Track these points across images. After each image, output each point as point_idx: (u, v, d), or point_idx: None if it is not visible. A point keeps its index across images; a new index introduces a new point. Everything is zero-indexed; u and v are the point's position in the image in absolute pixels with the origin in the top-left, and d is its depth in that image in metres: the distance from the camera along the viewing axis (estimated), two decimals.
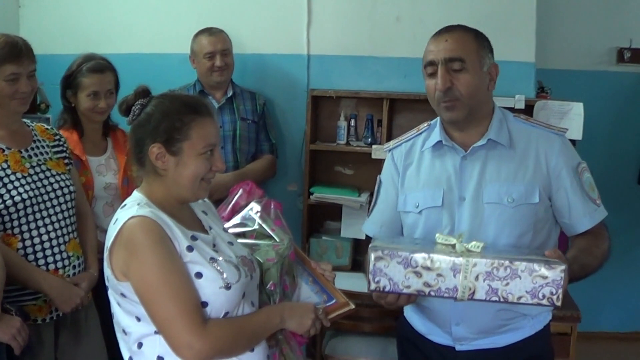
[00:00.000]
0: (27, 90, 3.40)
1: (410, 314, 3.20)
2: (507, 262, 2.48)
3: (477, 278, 2.50)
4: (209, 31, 5.03)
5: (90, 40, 5.18)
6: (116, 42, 5.43)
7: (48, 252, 3.41)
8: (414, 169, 3.13)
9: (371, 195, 5.02)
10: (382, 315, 4.45)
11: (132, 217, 2.46)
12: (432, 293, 2.54)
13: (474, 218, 2.93)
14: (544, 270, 2.47)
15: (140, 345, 2.52)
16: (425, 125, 3.17)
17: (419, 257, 2.53)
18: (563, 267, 2.47)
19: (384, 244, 2.62)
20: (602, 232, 3.00)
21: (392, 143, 3.26)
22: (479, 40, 2.92)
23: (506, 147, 2.95)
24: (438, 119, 3.08)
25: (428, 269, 2.52)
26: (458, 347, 3.03)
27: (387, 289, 2.57)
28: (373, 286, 2.58)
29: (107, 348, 3.66)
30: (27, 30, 5.50)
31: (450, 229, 2.96)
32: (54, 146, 3.62)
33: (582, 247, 2.94)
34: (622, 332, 6.66)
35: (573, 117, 4.86)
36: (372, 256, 2.56)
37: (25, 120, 3.62)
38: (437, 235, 2.71)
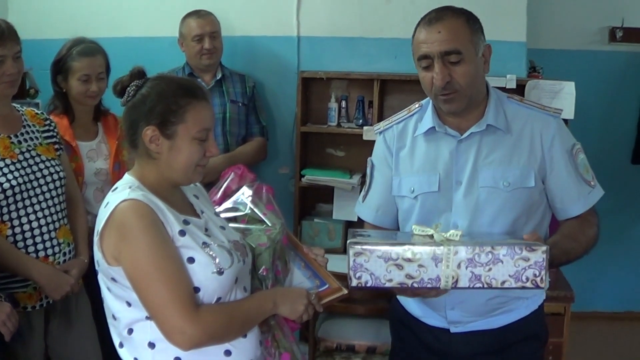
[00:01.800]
0: (13, 71, 3.38)
1: (403, 297, 3.18)
2: (488, 248, 2.46)
3: (459, 266, 2.48)
4: (197, 14, 5.00)
5: (79, 25, 5.14)
6: (105, 26, 5.39)
7: (38, 239, 3.40)
8: (407, 152, 3.09)
9: (363, 177, 5.05)
10: (375, 297, 4.45)
11: (124, 200, 2.43)
12: (415, 284, 2.51)
13: (470, 202, 2.91)
14: (525, 253, 2.45)
15: (130, 331, 2.50)
16: (417, 106, 3.12)
17: (399, 249, 2.49)
18: (544, 248, 2.46)
19: (362, 240, 2.59)
20: (591, 219, 2.98)
21: (382, 125, 3.21)
22: (471, 25, 2.84)
23: (504, 131, 2.92)
24: (430, 100, 3.03)
25: (409, 260, 2.49)
26: (453, 330, 3.03)
27: (368, 284, 2.53)
28: (354, 282, 2.54)
29: (99, 334, 3.64)
30: (15, 15, 5.47)
31: (447, 214, 2.94)
32: (44, 131, 3.60)
33: (566, 232, 2.92)
34: (616, 312, 6.70)
35: (565, 97, 4.84)
36: (351, 252, 2.52)
37: (15, 105, 3.60)
38: (413, 226, 2.69)
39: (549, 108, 3.01)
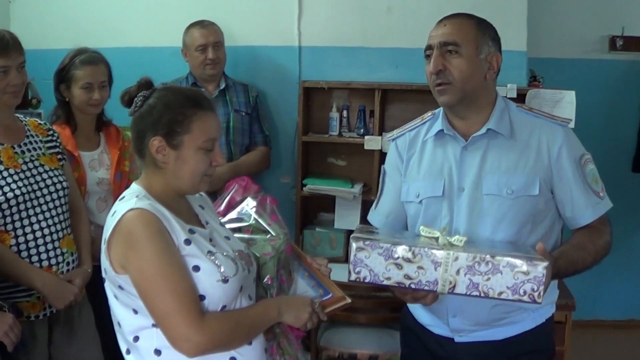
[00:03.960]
0: (18, 82, 3.39)
1: (413, 305, 3.19)
2: (488, 257, 2.48)
3: (458, 272, 2.50)
4: (200, 24, 5.02)
5: (82, 35, 5.15)
6: (107, 36, 5.41)
7: (42, 248, 3.40)
8: (416, 158, 3.13)
9: (364, 186, 5.08)
10: (377, 306, 4.46)
11: (131, 209, 2.45)
12: (413, 285, 2.55)
13: (473, 209, 2.92)
14: (525, 267, 2.46)
15: (136, 338, 2.52)
16: (430, 114, 3.16)
17: (400, 249, 2.52)
18: (545, 263, 2.46)
19: (365, 235, 2.62)
20: (602, 228, 2.96)
21: (395, 132, 3.26)
22: (480, 28, 2.91)
23: (506, 137, 2.93)
24: (442, 108, 3.07)
25: (409, 261, 2.52)
26: (457, 339, 3.03)
27: (367, 279, 2.57)
28: (353, 276, 2.58)
29: (102, 344, 3.65)
30: (17, 25, 5.50)
31: (449, 219, 2.95)
32: (47, 141, 3.61)
33: (575, 242, 2.92)
34: (617, 320, 6.69)
35: (565, 106, 4.85)
36: (354, 246, 2.56)
37: (18, 115, 3.61)
38: (420, 227, 2.71)
39: (558, 117, 3.02)
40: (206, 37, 4.96)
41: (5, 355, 3.15)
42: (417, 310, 3.17)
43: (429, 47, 2.94)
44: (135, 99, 2.60)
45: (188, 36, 5.03)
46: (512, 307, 2.91)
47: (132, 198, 2.51)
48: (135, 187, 2.61)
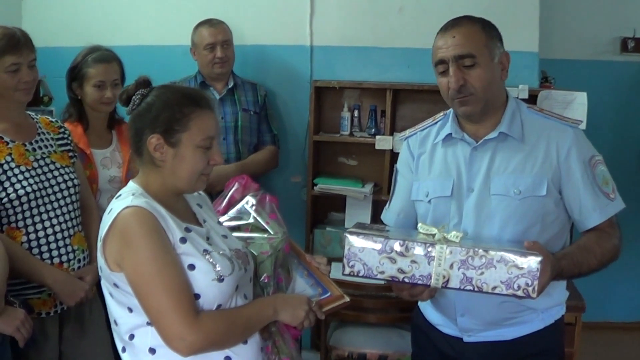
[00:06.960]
0: (29, 79, 3.40)
1: (423, 304, 3.22)
2: (481, 251, 2.49)
3: (451, 266, 2.51)
4: (209, 22, 5.04)
5: (92, 33, 5.18)
6: (118, 34, 5.45)
7: (53, 245, 3.41)
8: (426, 157, 3.13)
9: (375, 185, 5.08)
10: (386, 306, 4.46)
11: (127, 207, 2.46)
12: (406, 279, 2.56)
13: (481, 210, 2.91)
14: (519, 261, 2.46)
15: (132, 336, 2.54)
16: (441, 114, 3.16)
17: (394, 243, 2.54)
18: (539, 258, 2.47)
19: (360, 230, 2.64)
20: (610, 230, 2.93)
21: (408, 132, 3.27)
22: (487, 31, 2.88)
23: (517, 140, 2.92)
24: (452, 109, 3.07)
25: (402, 255, 2.54)
26: (466, 339, 3.04)
27: (361, 273, 2.58)
28: (347, 270, 2.60)
29: (112, 340, 3.65)
30: (29, 23, 5.53)
31: (457, 219, 2.95)
32: (58, 139, 3.63)
33: (581, 244, 2.90)
34: (627, 322, 6.67)
35: (577, 107, 4.84)
36: (347, 241, 2.58)
37: (29, 112, 3.62)
38: (419, 224, 2.72)
39: (568, 118, 3.00)
40: (214, 36, 4.98)
41: (16, 351, 3.16)
42: (427, 310, 3.18)
43: (442, 62, 2.88)
44: (133, 97, 2.62)
45: (196, 35, 5.05)
46: (520, 306, 2.92)
47: (129, 196, 2.52)
48: (132, 185, 2.63)
